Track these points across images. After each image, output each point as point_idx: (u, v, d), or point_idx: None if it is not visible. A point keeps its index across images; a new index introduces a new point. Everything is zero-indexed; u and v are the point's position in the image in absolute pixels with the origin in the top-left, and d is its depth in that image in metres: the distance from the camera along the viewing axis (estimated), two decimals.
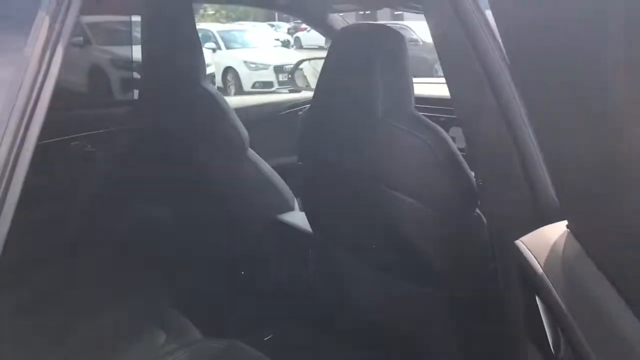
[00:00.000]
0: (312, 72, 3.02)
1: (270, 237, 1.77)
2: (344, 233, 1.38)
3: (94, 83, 7.01)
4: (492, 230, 1.08)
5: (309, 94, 2.81)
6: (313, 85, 2.98)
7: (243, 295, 1.80)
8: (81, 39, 7.77)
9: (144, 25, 1.91)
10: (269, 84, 10.25)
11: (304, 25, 22.12)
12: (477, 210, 1.17)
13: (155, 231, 1.98)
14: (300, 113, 2.62)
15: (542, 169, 0.96)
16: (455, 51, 1.03)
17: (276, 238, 1.76)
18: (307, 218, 1.52)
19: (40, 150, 1.77)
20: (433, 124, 1.15)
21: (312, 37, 19.40)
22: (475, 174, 1.11)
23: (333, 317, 1.56)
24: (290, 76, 2.86)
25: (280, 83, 10.19)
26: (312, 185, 1.41)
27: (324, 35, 2.41)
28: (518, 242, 0.76)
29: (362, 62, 1.19)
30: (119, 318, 1.65)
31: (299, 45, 19.21)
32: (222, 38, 11.12)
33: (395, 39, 1.18)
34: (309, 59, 3.01)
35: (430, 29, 1.07)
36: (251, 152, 1.78)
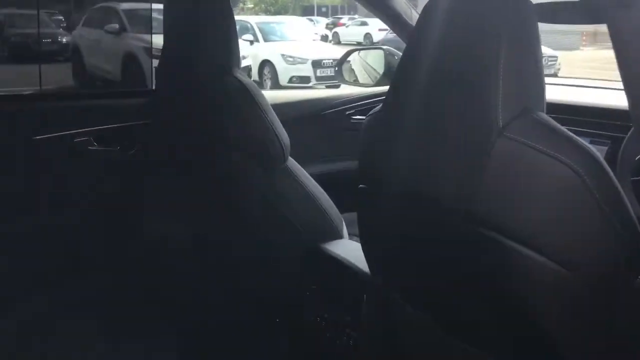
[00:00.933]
0: (361, 64, 2.65)
1: (310, 271, 1.40)
2: (421, 286, 0.99)
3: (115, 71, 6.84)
4: None
5: (355, 90, 2.43)
6: (361, 80, 2.62)
7: (272, 346, 1.44)
8: (117, 26, 7.63)
9: (167, 2, 1.57)
10: (306, 79, 10.00)
11: (342, 21, 21.90)
12: None
13: (167, 256, 1.65)
14: (349, 112, 2.29)
15: None
16: None
17: (318, 273, 1.39)
18: (366, 257, 1.14)
19: (36, 147, 1.46)
20: (580, 140, 0.76)
21: (351, 32, 19.17)
22: None
23: None
24: (337, 68, 2.48)
25: (318, 78, 9.92)
26: (380, 216, 1.02)
27: (384, 22, 2.02)
28: None
29: (471, 44, 0.80)
30: None
31: (337, 40, 18.99)
32: (261, 30, 10.88)
33: (525, 9, 0.79)
34: (359, 49, 2.64)
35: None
36: (291, 162, 1.41)
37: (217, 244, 1.57)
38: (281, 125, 1.37)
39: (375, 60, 2.54)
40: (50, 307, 1.48)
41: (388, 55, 2.40)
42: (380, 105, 1.03)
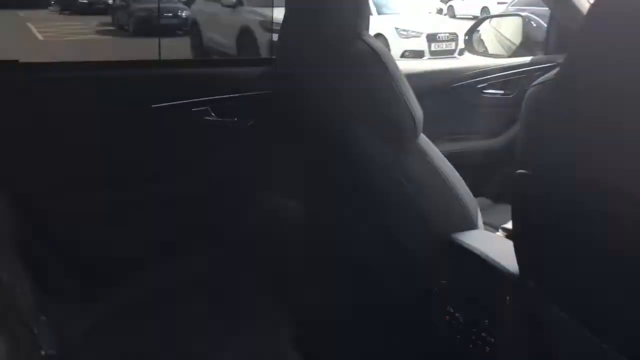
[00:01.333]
0: (493, 34, 2.41)
1: (440, 264, 1.24)
2: (593, 295, 0.81)
3: (239, 42, 6.91)
4: None
5: (483, 62, 2.21)
6: (492, 51, 2.39)
7: (392, 343, 1.30)
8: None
9: None
10: (419, 53, 9.68)
11: None
12: None
13: (282, 234, 1.55)
14: (481, 86, 2.08)
15: None
16: None
17: (449, 267, 1.23)
18: (518, 253, 0.97)
19: (152, 115, 1.41)
20: None
21: (467, 6, 18.26)
22: None
23: None
24: (467, 37, 2.27)
25: (432, 53, 9.58)
26: (544, 208, 0.85)
27: None
28: None
29: None
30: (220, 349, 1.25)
31: (451, 14, 18.21)
32: (374, 3, 10.62)
33: None
34: (491, 17, 2.41)
35: None
36: (424, 140, 1.24)
37: (336, 225, 1.46)
38: (414, 98, 1.21)
39: (510, 28, 2.31)
40: (163, 282, 1.43)
41: (527, 23, 2.16)
42: (547, 77, 0.84)
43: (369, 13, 1.29)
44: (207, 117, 1.62)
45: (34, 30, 8.38)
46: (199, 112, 1.60)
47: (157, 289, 1.41)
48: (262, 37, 6.52)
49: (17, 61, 1.54)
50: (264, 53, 6.39)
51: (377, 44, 1.21)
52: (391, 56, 1.21)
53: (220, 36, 7.28)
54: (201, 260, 1.55)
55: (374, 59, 1.18)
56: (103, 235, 1.53)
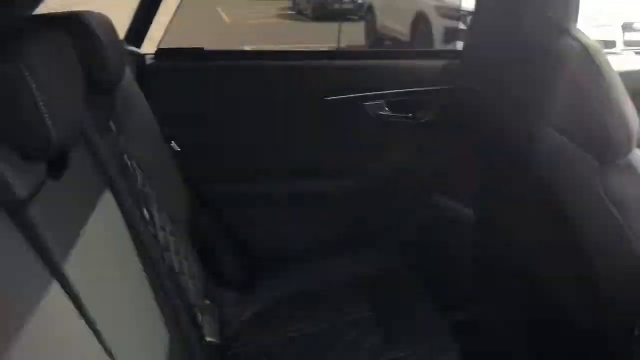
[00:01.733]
0: None
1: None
2: None
3: (414, 31, 6.71)
4: None
5: None
6: None
7: None
8: None
9: None
10: (611, 44, 8.75)
11: None
12: None
13: (450, 240, 1.44)
14: None
15: None
16: None
17: None
18: None
19: (323, 108, 1.36)
20: None
21: None
22: None
23: None
24: None
25: (626, 43, 8.62)
26: None
27: None
28: None
29: None
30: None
31: None
32: None
33: None
34: None
35: None
36: (637, 156, 1.05)
37: (515, 240, 1.30)
38: (631, 105, 1.01)
39: None
40: (324, 280, 1.39)
41: None
42: None
43: (579, 3, 1.10)
44: (382, 112, 1.55)
45: (222, 14, 9.00)
46: (374, 107, 1.54)
47: (317, 286, 1.37)
48: (437, 24, 6.26)
49: (202, 49, 1.59)
50: (438, 41, 6.15)
51: (590, 41, 1.03)
52: (605, 55, 1.03)
53: (395, 22, 7.14)
54: (363, 259, 1.50)
55: (584, 58, 1.01)
56: (270, 226, 1.54)
